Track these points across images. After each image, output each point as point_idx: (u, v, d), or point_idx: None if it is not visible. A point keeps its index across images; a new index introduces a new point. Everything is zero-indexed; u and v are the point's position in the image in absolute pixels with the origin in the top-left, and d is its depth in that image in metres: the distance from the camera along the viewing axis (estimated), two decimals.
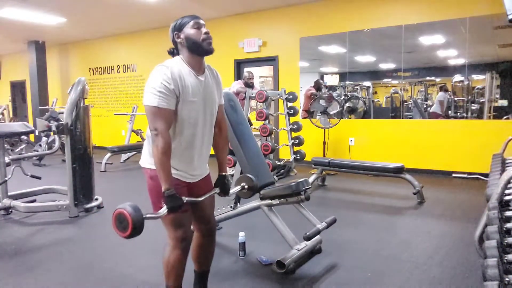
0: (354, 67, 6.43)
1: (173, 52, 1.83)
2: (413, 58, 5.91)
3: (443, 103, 5.75)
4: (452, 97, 5.69)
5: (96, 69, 9.94)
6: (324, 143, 5.99)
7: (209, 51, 1.78)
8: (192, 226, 1.94)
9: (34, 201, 4.17)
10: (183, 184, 1.80)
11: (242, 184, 2.31)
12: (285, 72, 6.97)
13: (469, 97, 5.55)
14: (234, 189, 2.18)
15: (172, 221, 1.77)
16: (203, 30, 1.77)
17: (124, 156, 7.44)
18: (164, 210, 1.62)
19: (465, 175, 5.41)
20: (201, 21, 1.79)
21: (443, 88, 5.77)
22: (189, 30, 1.75)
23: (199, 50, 1.76)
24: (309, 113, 6.27)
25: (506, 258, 1.40)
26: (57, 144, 5.89)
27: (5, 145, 4.17)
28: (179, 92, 1.68)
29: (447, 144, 5.58)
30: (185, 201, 1.69)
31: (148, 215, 1.57)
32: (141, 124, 8.04)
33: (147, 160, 1.81)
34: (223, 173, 1.99)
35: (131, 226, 1.47)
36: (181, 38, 1.76)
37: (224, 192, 1.99)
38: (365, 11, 6.08)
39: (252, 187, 2.30)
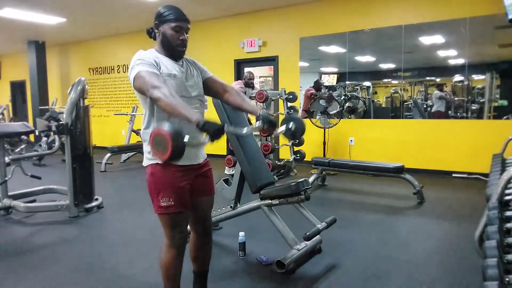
0: (354, 67, 6.43)
1: (151, 33, 1.84)
2: (413, 58, 5.91)
3: (443, 99, 5.74)
4: (452, 96, 5.69)
5: (96, 69, 9.94)
6: (324, 143, 5.99)
7: (178, 57, 1.81)
8: (188, 227, 1.94)
9: (34, 201, 4.17)
10: (180, 169, 1.77)
11: (287, 125, 1.93)
12: (285, 72, 6.97)
13: (469, 97, 5.55)
14: (281, 129, 1.92)
15: (169, 221, 1.77)
16: (182, 36, 1.76)
17: (124, 156, 7.44)
18: (207, 138, 1.49)
19: (465, 175, 5.41)
20: (185, 25, 1.77)
21: (438, 88, 5.79)
22: (168, 30, 1.75)
23: (169, 51, 1.78)
24: (309, 113, 6.26)
25: (506, 258, 1.40)
26: (57, 144, 5.89)
27: (5, 145, 4.17)
28: (157, 68, 1.69)
29: (447, 144, 5.58)
30: (225, 128, 1.51)
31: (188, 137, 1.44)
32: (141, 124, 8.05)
33: (147, 157, 1.80)
34: (260, 112, 1.85)
35: (171, 147, 1.36)
36: (159, 30, 1.78)
37: (271, 124, 1.81)
38: (365, 11, 6.08)
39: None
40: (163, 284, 1.86)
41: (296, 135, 1.89)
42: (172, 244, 1.79)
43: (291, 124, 1.87)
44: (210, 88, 1.93)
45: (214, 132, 1.47)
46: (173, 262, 1.80)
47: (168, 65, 1.75)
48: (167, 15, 1.75)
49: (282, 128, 1.91)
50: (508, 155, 3.72)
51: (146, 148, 1.80)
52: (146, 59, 1.68)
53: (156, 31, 1.79)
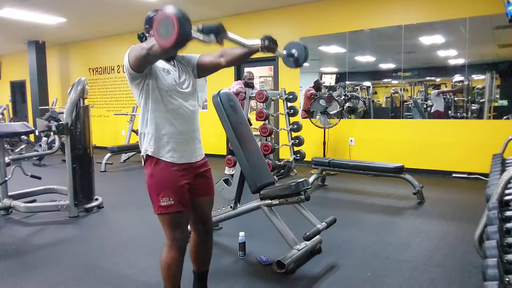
0: (354, 67, 6.43)
1: (142, 38, 1.84)
2: (413, 58, 5.91)
3: (441, 99, 5.74)
4: (452, 97, 5.69)
5: (96, 69, 9.94)
6: (324, 143, 5.99)
7: (171, 58, 1.82)
8: (189, 227, 1.94)
9: (34, 201, 4.17)
10: (179, 168, 1.77)
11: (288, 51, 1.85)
12: (285, 72, 6.97)
13: (469, 97, 5.55)
14: (283, 52, 1.80)
15: (170, 221, 1.77)
16: None
17: (124, 156, 7.44)
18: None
19: (465, 175, 5.41)
20: None
21: (435, 88, 5.79)
22: None
23: None
24: (308, 113, 6.27)
25: (506, 258, 1.40)
26: (57, 144, 5.90)
27: (5, 145, 4.17)
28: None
29: (447, 144, 5.58)
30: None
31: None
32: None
33: (144, 151, 1.79)
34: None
35: (177, 25, 1.27)
36: (150, 34, 1.79)
37: (271, 40, 1.75)
38: (365, 11, 6.08)
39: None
40: (163, 285, 1.86)
41: (299, 62, 1.81)
42: (173, 245, 1.78)
43: (293, 51, 1.78)
44: (206, 65, 1.91)
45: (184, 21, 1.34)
46: (174, 263, 1.79)
47: (161, 61, 1.78)
48: None
49: (283, 52, 1.83)
50: (508, 155, 3.72)
51: (142, 142, 1.79)
52: None
53: (147, 35, 1.81)
